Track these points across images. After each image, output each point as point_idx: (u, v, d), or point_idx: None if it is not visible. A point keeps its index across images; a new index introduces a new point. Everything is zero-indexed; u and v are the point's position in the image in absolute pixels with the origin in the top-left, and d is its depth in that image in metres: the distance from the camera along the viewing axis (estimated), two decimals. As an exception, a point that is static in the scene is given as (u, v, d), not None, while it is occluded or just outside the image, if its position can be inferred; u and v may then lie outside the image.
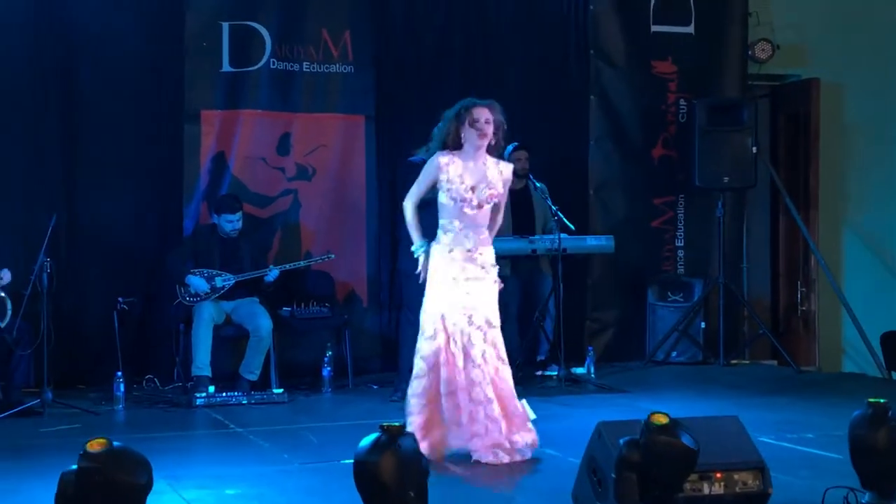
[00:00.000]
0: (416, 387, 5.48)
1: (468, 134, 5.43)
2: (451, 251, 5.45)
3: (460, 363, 5.39)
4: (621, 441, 3.79)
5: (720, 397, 7.49)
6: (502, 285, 5.62)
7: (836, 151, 9.85)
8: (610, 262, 9.06)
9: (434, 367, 5.42)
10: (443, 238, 5.49)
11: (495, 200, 5.53)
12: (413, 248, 5.62)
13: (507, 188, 5.59)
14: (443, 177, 5.44)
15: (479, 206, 5.46)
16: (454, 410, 5.38)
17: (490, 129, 5.42)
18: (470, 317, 5.41)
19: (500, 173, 5.51)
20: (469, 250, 5.45)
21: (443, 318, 5.41)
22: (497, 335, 5.49)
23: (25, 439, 6.19)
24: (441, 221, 5.51)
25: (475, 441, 5.35)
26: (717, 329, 9.06)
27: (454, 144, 5.47)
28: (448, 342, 5.41)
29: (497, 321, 5.50)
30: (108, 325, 7.77)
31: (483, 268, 5.48)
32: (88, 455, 3.31)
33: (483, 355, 5.40)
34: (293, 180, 8.59)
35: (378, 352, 8.68)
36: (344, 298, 8.62)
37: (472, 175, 5.44)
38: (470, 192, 5.41)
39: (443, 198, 5.48)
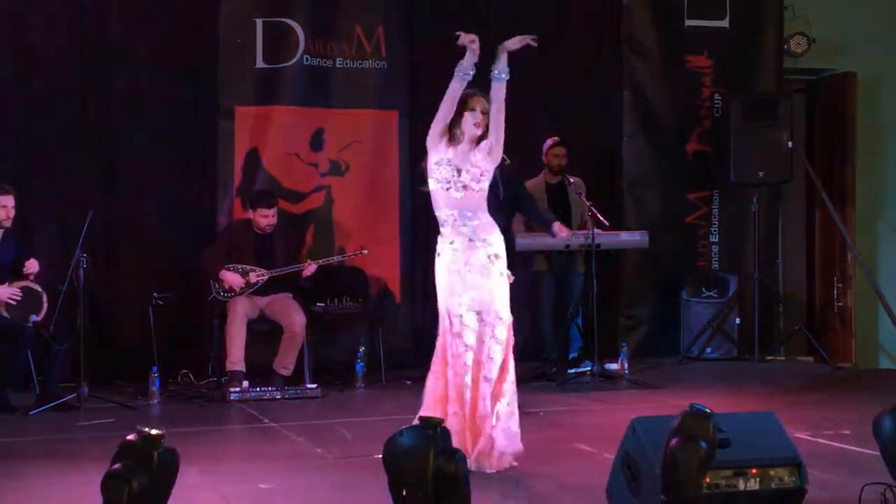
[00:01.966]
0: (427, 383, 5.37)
1: (466, 124, 5.29)
2: (451, 242, 5.28)
3: (467, 363, 5.17)
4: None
5: (755, 394, 7.44)
6: (513, 278, 5.38)
7: (872, 146, 9.76)
8: (644, 257, 9.03)
9: (440, 370, 5.27)
10: (442, 230, 5.32)
11: (486, 179, 5.30)
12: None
13: (495, 161, 5.40)
14: (434, 157, 5.31)
15: (465, 188, 5.33)
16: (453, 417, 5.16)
17: (484, 122, 5.35)
18: (479, 313, 5.22)
19: (480, 150, 5.30)
20: (471, 239, 5.26)
21: (449, 315, 5.24)
22: (507, 330, 5.26)
23: (62, 433, 6.25)
24: (436, 214, 5.35)
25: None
26: (751, 325, 9.00)
27: (455, 136, 5.34)
28: (453, 343, 5.21)
29: (507, 315, 5.28)
30: (143, 320, 7.82)
31: (489, 258, 5.27)
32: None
33: (489, 353, 5.19)
34: (326, 176, 8.62)
35: (411, 347, 8.68)
36: (377, 294, 8.63)
37: (458, 159, 5.29)
38: (456, 174, 5.29)
39: (432, 184, 5.32)
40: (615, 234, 8.25)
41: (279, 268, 7.78)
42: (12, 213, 7.07)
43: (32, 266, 7.04)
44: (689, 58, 9.38)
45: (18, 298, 6.92)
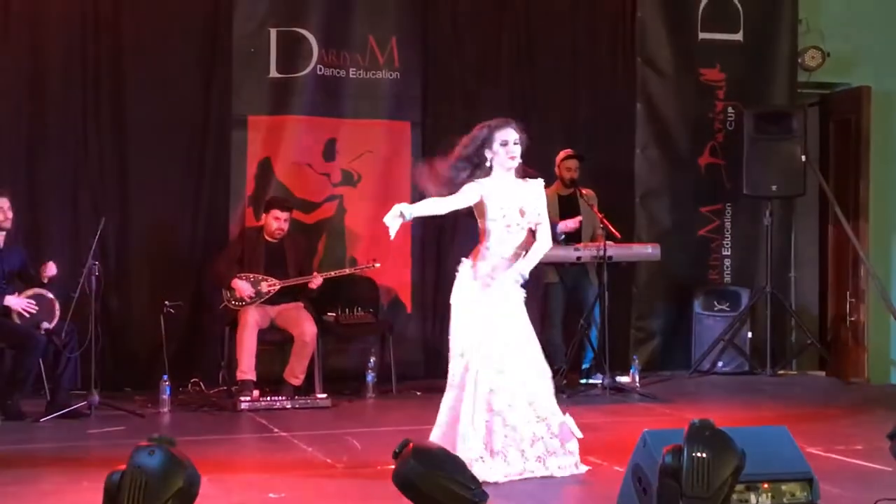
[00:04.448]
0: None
1: (498, 158, 5.24)
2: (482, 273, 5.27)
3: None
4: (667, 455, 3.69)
5: (767, 408, 7.42)
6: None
7: (886, 160, 9.72)
8: (656, 270, 9.01)
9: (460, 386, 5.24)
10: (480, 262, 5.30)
11: (540, 221, 5.35)
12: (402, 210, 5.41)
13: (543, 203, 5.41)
14: (490, 203, 5.24)
15: (523, 229, 5.33)
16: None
17: (519, 151, 5.27)
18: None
19: (531, 192, 5.32)
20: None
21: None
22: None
23: (72, 441, 6.25)
24: (486, 246, 5.33)
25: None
26: (763, 339, 8.98)
27: (484, 170, 5.29)
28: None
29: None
30: (154, 328, 7.83)
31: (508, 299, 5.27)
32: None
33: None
34: (338, 186, 8.63)
35: (421, 358, 8.67)
36: (388, 304, 8.63)
37: (515, 199, 5.26)
38: (520, 216, 5.28)
39: (490, 224, 5.29)
40: (627, 247, 8.23)
41: (290, 277, 7.78)
42: (10, 215, 7.07)
43: (51, 269, 7.04)
44: (702, 71, 9.38)
45: (34, 311, 6.94)
